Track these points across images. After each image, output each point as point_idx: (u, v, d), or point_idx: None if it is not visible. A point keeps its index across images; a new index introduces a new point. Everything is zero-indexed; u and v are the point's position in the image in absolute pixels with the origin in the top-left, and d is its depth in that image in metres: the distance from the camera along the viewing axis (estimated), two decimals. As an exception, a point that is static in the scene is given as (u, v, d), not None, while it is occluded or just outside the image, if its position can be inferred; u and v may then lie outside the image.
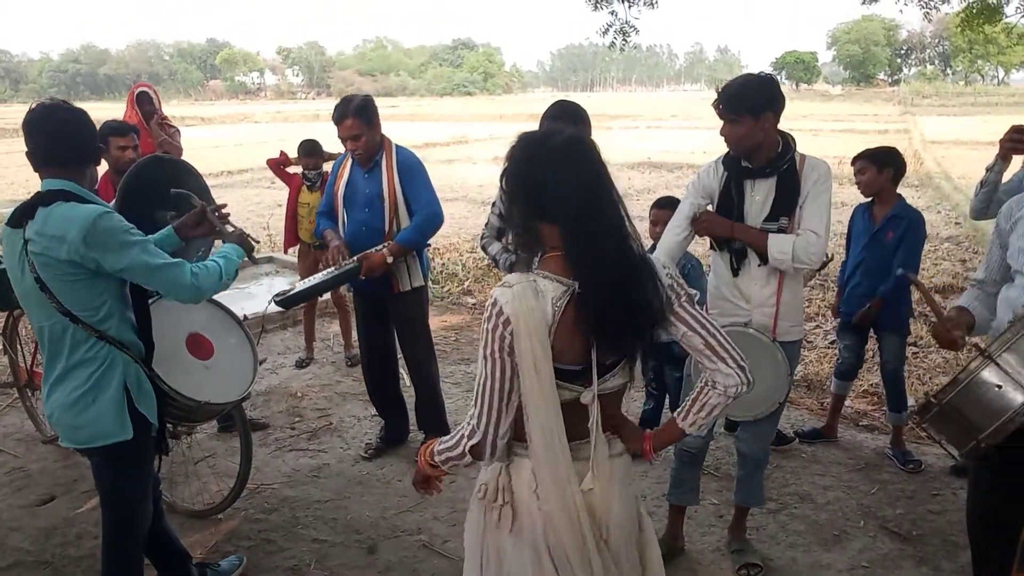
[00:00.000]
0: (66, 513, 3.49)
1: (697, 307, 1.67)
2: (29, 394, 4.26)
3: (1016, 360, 1.96)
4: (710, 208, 2.83)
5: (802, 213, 2.70)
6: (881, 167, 3.75)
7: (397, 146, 3.73)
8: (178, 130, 5.69)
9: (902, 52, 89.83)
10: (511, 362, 1.57)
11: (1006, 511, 2.18)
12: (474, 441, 1.63)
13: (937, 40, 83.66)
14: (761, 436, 2.92)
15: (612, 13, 7.22)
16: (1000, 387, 1.97)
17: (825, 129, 26.32)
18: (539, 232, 1.60)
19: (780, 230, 2.68)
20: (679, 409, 1.72)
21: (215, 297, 2.66)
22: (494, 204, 3.53)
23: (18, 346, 4.26)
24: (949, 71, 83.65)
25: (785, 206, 2.66)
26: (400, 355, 4.06)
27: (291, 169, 5.55)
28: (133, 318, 2.34)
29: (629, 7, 7.02)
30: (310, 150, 5.28)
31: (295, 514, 3.47)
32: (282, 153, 5.50)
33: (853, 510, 3.43)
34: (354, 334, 5.65)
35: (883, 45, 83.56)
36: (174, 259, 2.24)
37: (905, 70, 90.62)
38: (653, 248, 3.67)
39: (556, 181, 1.53)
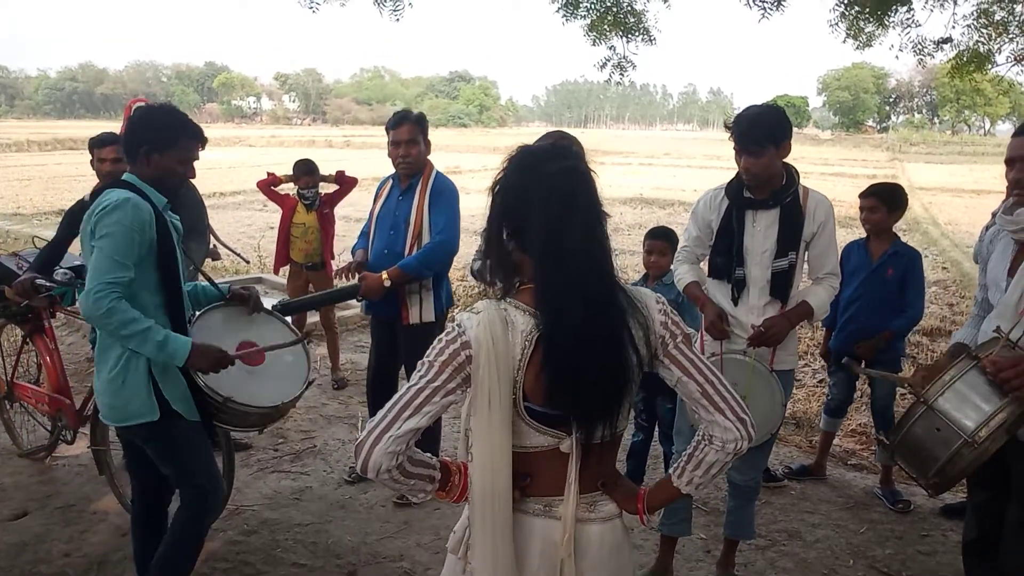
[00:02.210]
0: (39, 529, 3.39)
1: (695, 350, 1.52)
2: (8, 406, 4.18)
3: (955, 402, 2.02)
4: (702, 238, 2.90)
5: (816, 254, 2.78)
6: (892, 209, 3.78)
7: (437, 172, 3.70)
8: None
9: (891, 100, 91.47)
10: (454, 383, 1.41)
11: (995, 538, 2.22)
12: (360, 437, 1.40)
13: (925, 89, 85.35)
14: (754, 465, 2.90)
15: (611, 48, 7.29)
16: (939, 430, 2.04)
17: (815, 172, 26.62)
18: (515, 259, 1.47)
19: (790, 266, 2.71)
20: (674, 466, 1.55)
21: (304, 301, 3.03)
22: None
23: (-1, 357, 4.19)
24: (936, 120, 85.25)
25: (791, 241, 2.68)
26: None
27: (283, 189, 5.54)
28: (165, 312, 2.41)
29: (627, 42, 7.10)
30: (307, 169, 5.27)
31: (275, 537, 3.39)
32: (270, 174, 5.48)
33: (842, 549, 3.39)
34: (341, 357, 5.62)
35: (872, 92, 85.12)
36: (114, 277, 2.23)
37: (893, 117, 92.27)
38: (647, 277, 3.70)
39: (535, 210, 1.40)
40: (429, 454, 1.53)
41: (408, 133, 3.57)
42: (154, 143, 2.40)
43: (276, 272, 6.38)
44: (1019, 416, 1.96)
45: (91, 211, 2.30)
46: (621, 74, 7.40)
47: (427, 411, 1.40)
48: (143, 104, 5.56)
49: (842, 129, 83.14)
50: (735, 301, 2.77)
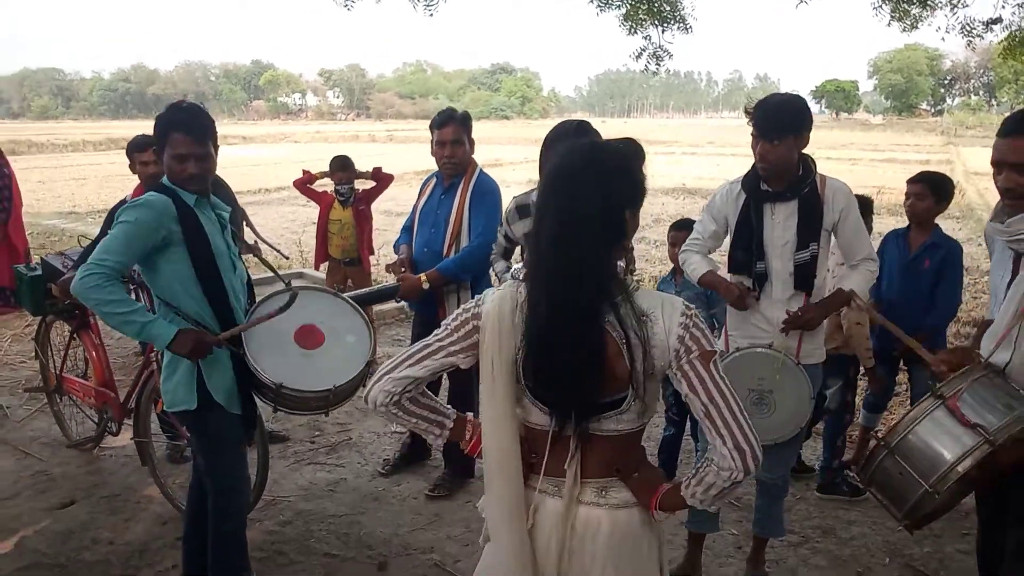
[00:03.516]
0: (84, 517, 3.53)
1: (713, 367, 1.44)
2: (58, 399, 4.34)
3: (916, 446, 1.92)
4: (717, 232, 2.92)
5: (845, 241, 2.73)
6: (939, 199, 3.67)
7: (481, 171, 3.69)
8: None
9: (946, 82, 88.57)
10: (459, 347, 1.54)
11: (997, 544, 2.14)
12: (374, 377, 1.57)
13: (982, 70, 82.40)
14: (781, 462, 2.85)
15: (646, 38, 7.23)
16: (902, 475, 1.95)
17: (864, 159, 25.94)
18: None
19: (812, 257, 2.67)
20: (685, 478, 1.53)
21: (351, 299, 2.90)
22: (500, 225, 3.50)
23: (49, 352, 4.35)
24: (994, 102, 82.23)
25: (811, 232, 2.64)
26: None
27: (320, 186, 5.62)
28: (207, 302, 2.49)
29: (663, 32, 7.03)
30: (342, 165, 5.34)
31: (309, 527, 3.47)
32: (306, 172, 5.56)
33: (878, 547, 3.32)
34: (379, 351, 5.69)
35: (926, 75, 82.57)
36: (112, 260, 2.28)
37: (948, 100, 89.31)
38: (675, 271, 3.67)
39: (542, 202, 1.48)
40: (450, 407, 1.66)
41: (453, 133, 3.57)
42: (158, 143, 2.45)
43: (317, 268, 6.48)
44: (992, 455, 1.83)
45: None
46: (657, 64, 7.35)
47: (426, 364, 1.55)
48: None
49: (894, 113, 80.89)
50: (757, 296, 2.72)
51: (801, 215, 2.63)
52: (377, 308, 6.08)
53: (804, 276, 2.67)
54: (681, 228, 3.61)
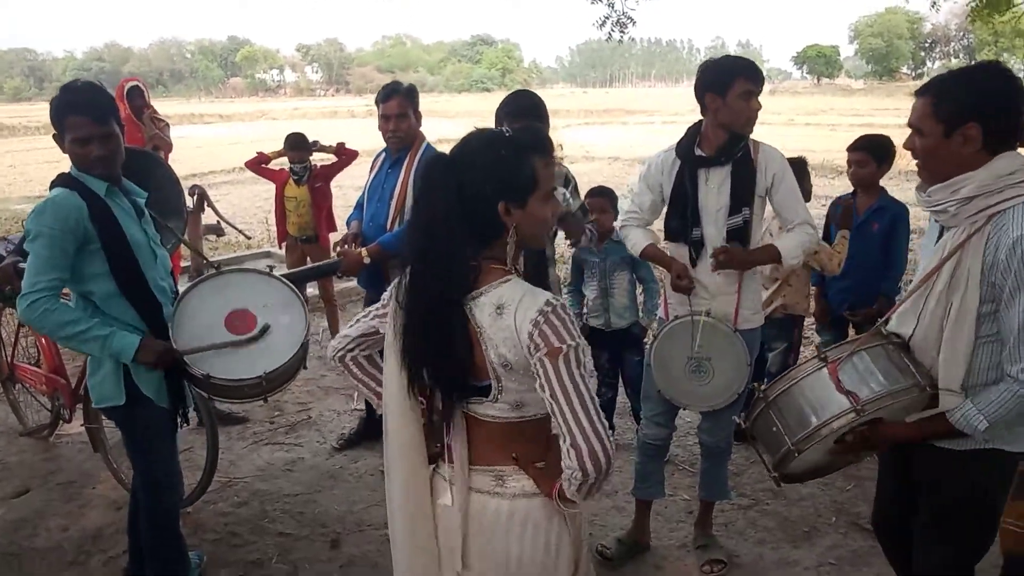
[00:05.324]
0: (39, 505, 3.52)
1: (562, 364, 1.36)
2: (12, 387, 4.30)
3: (790, 404, 1.93)
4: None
5: (779, 207, 2.71)
6: (880, 163, 3.67)
7: (428, 145, 3.65)
8: (168, 124, 5.71)
9: (926, 45, 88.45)
10: (380, 312, 1.67)
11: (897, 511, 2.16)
12: None
13: (962, 33, 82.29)
14: (721, 426, 2.87)
15: (609, 5, 7.18)
16: (774, 430, 1.95)
17: (844, 124, 25.90)
18: None
19: (744, 222, 2.66)
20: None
21: (285, 277, 2.80)
22: None
23: (0, 340, 4.30)
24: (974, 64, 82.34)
25: (745, 197, 2.63)
26: None
27: (280, 164, 5.56)
28: (124, 297, 2.38)
29: (624, -1, 6.97)
30: (295, 143, 5.29)
31: (264, 508, 3.47)
32: (259, 153, 5.53)
33: (827, 507, 3.37)
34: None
35: (907, 38, 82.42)
36: (46, 280, 2.22)
37: (929, 63, 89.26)
38: (594, 236, 3.69)
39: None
40: None
41: (397, 107, 3.53)
42: (56, 130, 2.32)
43: (280, 246, 6.44)
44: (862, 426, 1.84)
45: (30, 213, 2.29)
46: (622, 31, 7.29)
47: (357, 325, 1.72)
48: (136, 84, 5.62)
49: (875, 78, 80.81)
50: (694, 262, 2.72)
51: (734, 180, 2.62)
52: (340, 286, 6.06)
53: (737, 241, 2.65)
54: (597, 195, 3.65)
